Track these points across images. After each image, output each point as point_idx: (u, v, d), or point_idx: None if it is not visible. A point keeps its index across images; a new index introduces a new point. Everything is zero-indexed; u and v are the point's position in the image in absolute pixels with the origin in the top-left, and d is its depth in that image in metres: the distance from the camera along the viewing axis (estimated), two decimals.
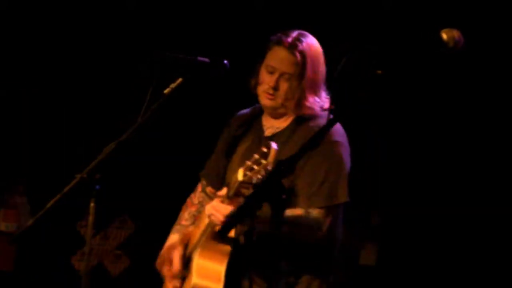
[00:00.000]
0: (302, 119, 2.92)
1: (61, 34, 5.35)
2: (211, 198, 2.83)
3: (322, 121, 2.82)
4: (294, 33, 2.93)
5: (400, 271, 4.24)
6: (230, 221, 2.48)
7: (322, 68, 2.94)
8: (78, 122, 5.06)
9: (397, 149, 4.58)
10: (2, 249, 4.22)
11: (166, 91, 2.81)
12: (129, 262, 3.43)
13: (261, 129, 3.00)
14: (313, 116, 2.92)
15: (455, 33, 2.39)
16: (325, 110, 2.94)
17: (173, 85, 2.82)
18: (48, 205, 2.65)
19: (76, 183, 2.62)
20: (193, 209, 3.11)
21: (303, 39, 2.91)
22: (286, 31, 2.97)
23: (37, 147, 4.83)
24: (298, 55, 2.88)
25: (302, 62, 2.87)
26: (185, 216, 3.11)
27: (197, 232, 2.85)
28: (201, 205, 3.07)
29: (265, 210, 2.40)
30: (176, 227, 3.09)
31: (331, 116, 2.71)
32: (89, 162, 2.66)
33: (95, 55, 5.27)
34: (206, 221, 2.75)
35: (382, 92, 2.36)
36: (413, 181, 4.52)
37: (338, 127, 2.89)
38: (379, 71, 2.40)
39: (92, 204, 2.60)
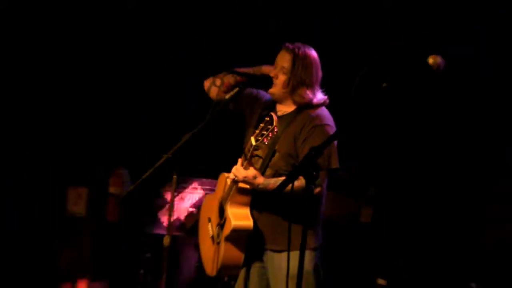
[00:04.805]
0: (302, 108, 3.79)
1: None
2: None
3: (318, 111, 3.78)
4: (298, 43, 3.86)
5: (390, 226, 5.64)
6: (280, 186, 3.25)
7: (314, 71, 3.79)
8: (162, 115, 6.61)
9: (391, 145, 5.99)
10: (112, 206, 5.48)
11: (227, 96, 3.89)
12: (198, 217, 4.18)
13: (275, 111, 3.85)
14: (311, 107, 3.79)
15: (438, 59, 3.10)
16: (321, 104, 3.83)
17: (232, 93, 3.92)
18: (144, 175, 3.74)
19: (163, 161, 3.69)
20: None
21: (302, 47, 3.84)
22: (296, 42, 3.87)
23: (134, 135, 6.28)
24: (292, 54, 3.80)
25: (294, 60, 3.77)
26: None
27: (221, 188, 3.84)
28: None
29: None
30: None
31: (327, 110, 3.80)
32: (171, 146, 3.73)
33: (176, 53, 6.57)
34: (228, 181, 3.75)
35: (387, 99, 3.17)
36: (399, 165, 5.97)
37: (326, 113, 3.82)
38: (384, 84, 3.17)
39: (174, 176, 3.74)
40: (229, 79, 4.01)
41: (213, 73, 6.60)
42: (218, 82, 4.02)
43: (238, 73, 3.95)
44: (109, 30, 6.89)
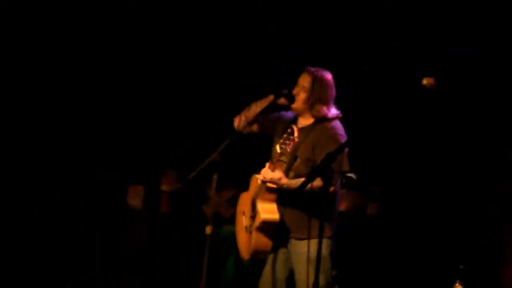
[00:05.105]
0: (319, 121, 4.46)
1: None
2: None
3: (333, 124, 4.43)
4: (317, 68, 4.49)
5: (392, 218, 6.37)
6: (301, 186, 4.00)
7: (329, 90, 4.45)
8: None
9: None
10: (164, 201, 6.46)
11: (258, 110, 4.51)
12: (233, 210, 4.97)
13: (296, 124, 4.56)
14: (327, 120, 4.44)
15: (431, 80, 3.71)
16: (335, 118, 4.45)
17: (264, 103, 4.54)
18: (190, 176, 4.40)
19: (206, 164, 4.32)
20: None
21: (320, 70, 4.47)
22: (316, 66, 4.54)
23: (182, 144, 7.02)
24: (312, 76, 4.45)
25: (313, 81, 4.44)
26: None
27: (253, 187, 4.57)
28: None
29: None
30: None
31: (340, 123, 4.46)
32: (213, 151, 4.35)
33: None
34: (258, 182, 4.45)
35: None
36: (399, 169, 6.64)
37: (339, 125, 4.44)
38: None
39: (215, 176, 4.33)
40: (250, 113, 4.62)
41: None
42: (243, 119, 4.62)
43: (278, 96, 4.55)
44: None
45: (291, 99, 4.49)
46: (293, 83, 4.57)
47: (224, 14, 6.98)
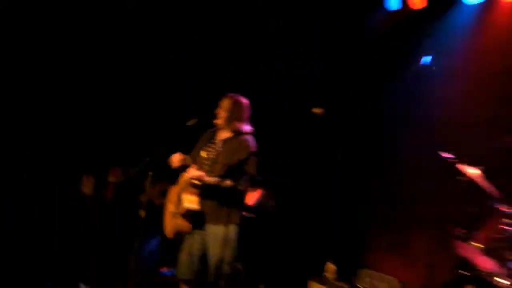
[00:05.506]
0: (236, 135, 5.57)
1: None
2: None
3: (247, 137, 5.49)
4: (237, 94, 5.57)
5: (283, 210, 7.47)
6: (218, 183, 5.31)
7: (245, 112, 5.56)
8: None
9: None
10: (110, 189, 7.22)
11: (189, 123, 5.45)
12: (163, 200, 5.89)
13: (218, 136, 5.69)
14: (242, 134, 5.53)
15: (320, 110, 4.99)
16: (248, 132, 5.52)
17: (190, 122, 5.49)
18: (131, 172, 5.76)
19: (143, 164, 5.41)
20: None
21: (236, 96, 5.55)
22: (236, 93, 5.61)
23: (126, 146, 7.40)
24: (232, 100, 5.55)
25: (230, 104, 5.54)
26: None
27: (181, 182, 5.62)
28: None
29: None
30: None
31: (253, 136, 5.48)
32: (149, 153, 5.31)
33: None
34: (185, 177, 5.53)
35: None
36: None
37: (252, 138, 5.46)
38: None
39: (150, 173, 5.50)
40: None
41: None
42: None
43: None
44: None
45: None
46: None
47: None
